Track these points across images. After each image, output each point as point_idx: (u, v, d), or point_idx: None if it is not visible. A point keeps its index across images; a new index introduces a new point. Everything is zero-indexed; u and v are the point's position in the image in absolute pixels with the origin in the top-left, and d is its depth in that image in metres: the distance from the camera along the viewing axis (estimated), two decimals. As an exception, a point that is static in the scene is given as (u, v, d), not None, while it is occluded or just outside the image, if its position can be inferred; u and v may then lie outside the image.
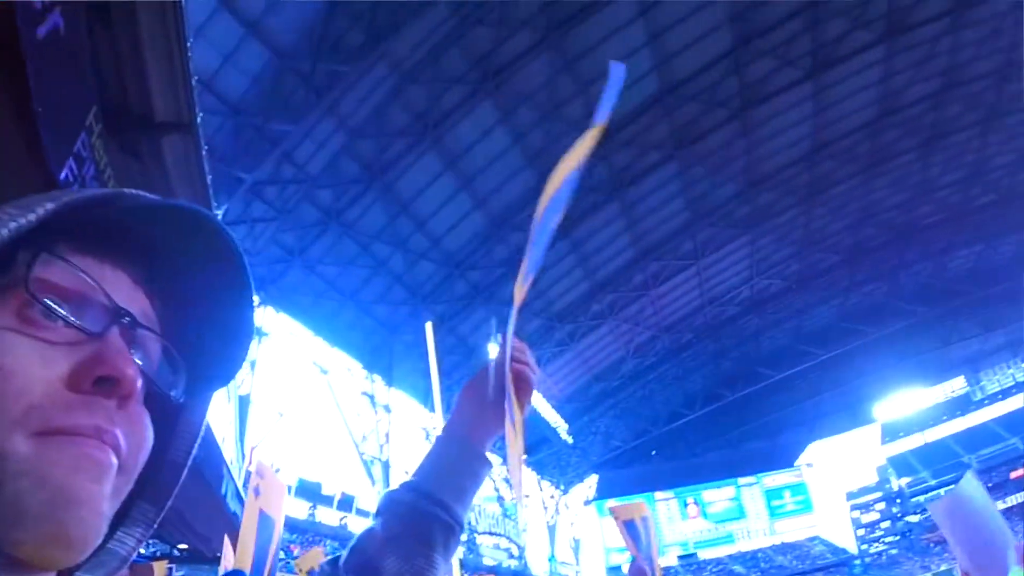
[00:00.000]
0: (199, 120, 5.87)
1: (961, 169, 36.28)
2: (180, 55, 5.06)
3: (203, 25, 14.41)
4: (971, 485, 2.64)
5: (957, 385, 58.01)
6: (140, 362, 0.55)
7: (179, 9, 4.89)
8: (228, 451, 16.99)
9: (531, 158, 22.97)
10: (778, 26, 24.36)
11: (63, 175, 3.47)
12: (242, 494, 10.73)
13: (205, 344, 0.63)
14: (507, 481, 40.04)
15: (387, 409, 30.12)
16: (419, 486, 0.94)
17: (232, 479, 11.50)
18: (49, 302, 0.50)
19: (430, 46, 18.89)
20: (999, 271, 45.24)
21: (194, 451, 0.65)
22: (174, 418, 0.64)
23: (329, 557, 0.94)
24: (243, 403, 20.02)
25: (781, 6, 23.75)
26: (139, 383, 0.52)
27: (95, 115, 3.90)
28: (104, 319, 0.53)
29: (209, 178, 6.47)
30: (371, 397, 30.05)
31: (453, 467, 0.96)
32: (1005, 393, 57.28)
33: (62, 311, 0.51)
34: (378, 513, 0.94)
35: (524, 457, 0.98)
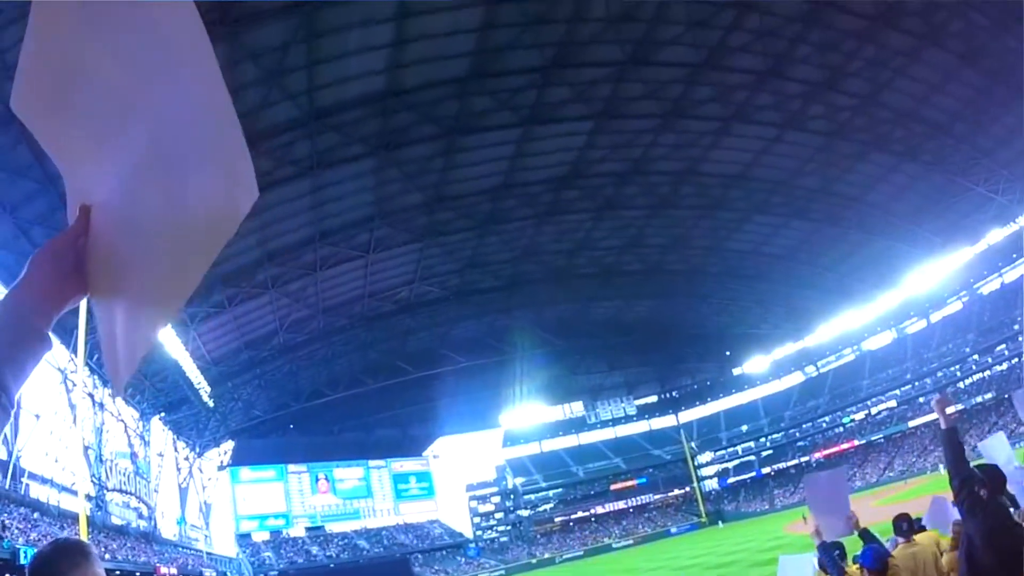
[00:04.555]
0: None
1: (622, 239, 42.22)
2: None
3: None
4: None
5: (576, 408, 68.97)
6: None
7: None
8: None
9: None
10: (513, 74, 26.45)
11: None
12: None
13: None
14: (141, 437, 36.83)
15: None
16: None
17: None
18: None
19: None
20: (630, 326, 54.84)
21: None
22: None
23: None
24: None
25: (524, 58, 25.83)
26: None
27: None
28: None
29: None
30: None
31: (15, 343, 0.84)
32: (615, 421, 70.30)
33: None
34: None
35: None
